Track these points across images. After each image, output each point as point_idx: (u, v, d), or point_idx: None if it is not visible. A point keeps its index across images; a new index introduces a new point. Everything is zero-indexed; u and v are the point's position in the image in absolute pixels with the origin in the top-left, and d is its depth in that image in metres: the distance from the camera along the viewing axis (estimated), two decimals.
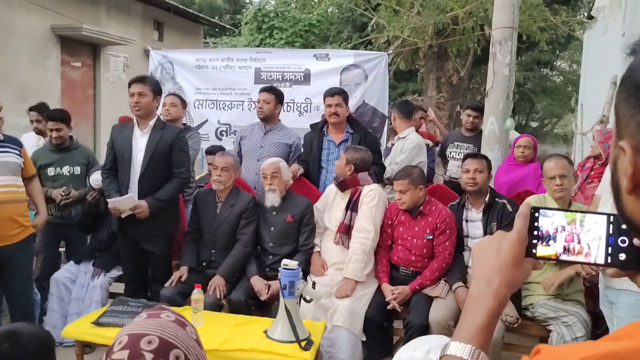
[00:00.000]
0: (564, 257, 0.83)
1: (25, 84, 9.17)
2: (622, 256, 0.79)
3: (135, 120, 3.65)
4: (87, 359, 3.19)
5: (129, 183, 3.60)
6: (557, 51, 17.34)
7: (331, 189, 3.78)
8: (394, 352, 3.35)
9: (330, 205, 3.72)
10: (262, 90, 4.38)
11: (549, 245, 0.84)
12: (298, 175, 4.04)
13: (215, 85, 5.60)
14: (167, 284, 3.56)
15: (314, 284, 3.16)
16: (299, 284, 2.87)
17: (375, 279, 3.53)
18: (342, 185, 3.63)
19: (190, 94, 5.63)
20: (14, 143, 3.50)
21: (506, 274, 0.82)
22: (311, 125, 4.40)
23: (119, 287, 3.97)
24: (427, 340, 1.29)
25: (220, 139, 5.57)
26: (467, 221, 3.52)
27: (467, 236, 3.52)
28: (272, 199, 3.68)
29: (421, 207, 3.50)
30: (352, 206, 3.54)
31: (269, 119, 4.32)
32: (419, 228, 3.48)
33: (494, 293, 0.81)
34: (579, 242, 0.82)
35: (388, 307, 3.33)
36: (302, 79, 5.40)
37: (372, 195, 3.53)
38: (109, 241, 4.02)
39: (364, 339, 3.31)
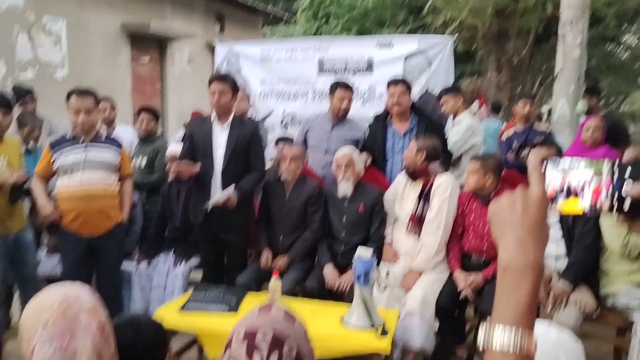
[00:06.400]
0: (591, 213, 0.83)
1: (99, 80, 9.58)
2: (627, 203, 0.80)
3: (214, 115, 3.78)
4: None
5: (212, 176, 3.75)
6: (624, 25, 16.48)
7: (401, 178, 3.79)
8: (467, 340, 3.38)
9: (401, 195, 3.74)
10: (341, 86, 4.33)
11: (577, 199, 0.81)
12: (367, 163, 4.08)
13: (279, 77, 5.70)
14: (262, 264, 3.79)
15: (387, 273, 3.21)
16: (373, 272, 2.93)
17: (447, 267, 3.55)
18: (413, 175, 3.65)
19: (256, 86, 5.76)
20: (114, 144, 3.76)
21: (538, 234, 0.75)
22: (375, 117, 4.40)
23: (197, 275, 4.16)
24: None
25: (285, 129, 5.68)
26: None
27: None
28: (345, 189, 3.75)
29: (492, 194, 3.48)
30: (425, 196, 3.56)
31: (344, 116, 4.36)
32: None
33: (532, 260, 0.74)
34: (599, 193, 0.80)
35: (461, 296, 3.35)
36: (365, 68, 5.41)
37: (444, 186, 3.53)
38: (184, 229, 4.20)
39: (437, 326, 3.34)
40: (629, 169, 0.80)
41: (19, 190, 3.59)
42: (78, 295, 1.33)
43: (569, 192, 0.82)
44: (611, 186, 0.80)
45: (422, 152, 3.59)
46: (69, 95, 3.54)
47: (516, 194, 0.78)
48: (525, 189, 0.78)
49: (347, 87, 4.35)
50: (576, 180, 0.82)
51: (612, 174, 0.81)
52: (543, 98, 14.62)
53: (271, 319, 1.17)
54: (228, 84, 3.72)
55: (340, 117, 4.35)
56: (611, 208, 0.81)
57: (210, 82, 3.74)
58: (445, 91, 4.76)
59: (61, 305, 1.28)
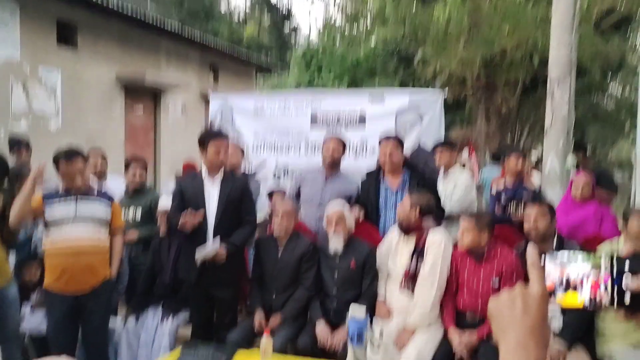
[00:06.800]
0: (590, 307, 0.81)
1: (92, 131, 9.66)
2: (627, 297, 0.79)
3: (204, 171, 3.77)
4: None
5: (206, 231, 3.72)
6: (609, 76, 16.91)
7: (393, 233, 3.79)
8: None
9: (394, 250, 3.72)
10: (331, 138, 4.46)
11: (576, 292, 0.81)
12: (360, 218, 4.07)
13: (272, 129, 5.75)
14: (256, 327, 3.70)
15: (381, 332, 3.16)
16: (367, 332, 2.89)
17: (441, 326, 3.50)
18: (406, 230, 3.64)
19: (249, 137, 5.80)
20: (106, 197, 3.73)
21: (540, 335, 0.75)
22: (367, 174, 4.43)
23: (186, 331, 4.06)
24: None
25: (278, 181, 5.68)
26: None
27: None
28: (335, 244, 3.72)
29: (485, 252, 3.47)
30: (419, 253, 3.54)
31: (335, 166, 4.41)
32: (484, 273, 3.44)
33: None
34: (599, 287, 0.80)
35: (456, 358, 3.29)
36: (358, 122, 5.48)
37: (438, 242, 3.53)
38: (173, 285, 4.14)
39: None
40: (627, 262, 0.80)
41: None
42: None
43: (568, 286, 0.81)
44: (609, 280, 0.80)
45: (416, 208, 3.59)
46: (55, 160, 3.50)
47: (516, 292, 0.78)
48: (524, 286, 0.77)
49: (338, 139, 4.44)
50: (574, 273, 0.82)
51: (611, 267, 0.81)
52: (531, 146, 14.85)
53: None
54: (228, 140, 3.80)
55: (331, 166, 4.38)
56: (612, 302, 0.80)
57: (212, 138, 3.74)
58: (442, 144, 4.79)
59: None
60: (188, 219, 3.59)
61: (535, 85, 13.05)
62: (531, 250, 0.80)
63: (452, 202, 4.44)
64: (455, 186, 4.54)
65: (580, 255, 0.82)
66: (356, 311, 2.89)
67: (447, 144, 4.80)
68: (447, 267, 3.54)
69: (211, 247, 3.63)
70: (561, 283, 0.82)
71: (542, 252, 0.82)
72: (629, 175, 15.75)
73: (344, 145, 4.48)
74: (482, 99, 11.99)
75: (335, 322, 3.65)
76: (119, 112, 10.49)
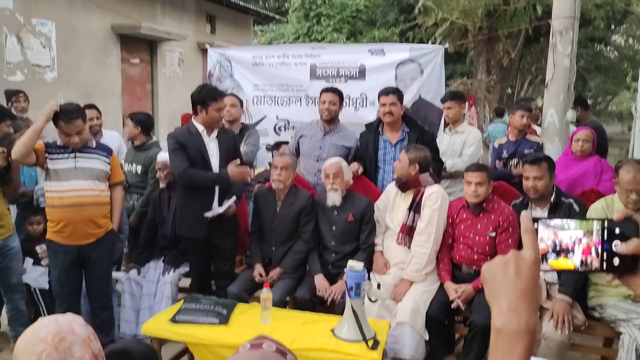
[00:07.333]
0: (581, 269, 0.84)
1: (88, 82, 9.54)
2: (616, 261, 0.82)
3: (198, 126, 3.73)
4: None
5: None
6: (613, 26, 16.64)
7: (391, 188, 3.81)
8: (455, 349, 3.40)
9: (391, 205, 3.76)
10: (327, 90, 4.41)
11: (567, 258, 0.84)
12: (358, 173, 4.10)
13: (272, 82, 5.71)
14: (256, 279, 3.77)
15: (378, 285, 3.23)
16: (365, 284, 2.95)
17: (437, 277, 3.58)
18: (403, 186, 3.67)
19: (249, 90, 5.76)
20: (104, 150, 3.71)
21: (531, 298, 0.76)
22: (366, 125, 4.42)
23: (186, 282, 4.16)
24: None
25: (278, 134, 5.69)
26: None
27: None
28: (333, 199, 3.76)
29: (484, 204, 3.50)
30: (415, 207, 3.58)
31: (333, 120, 4.39)
32: (481, 225, 3.49)
33: (524, 326, 0.75)
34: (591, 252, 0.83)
35: (452, 306, 3.37)
36: (358, 75, 5.42)
37: (435, 197, 3.55)
38: (174, 238, 4.19)
39: (427, 337, 3.37)
40: (617, 228, 0.82)
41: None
42: (71, 327, 1.33)
43: (560, 251, 0.83)
44: (600, 245, 0.82)
45: (414, 164, 3.60)
46: (55, 119, 3.45)
47: (509, 257, 0.79)
48: (518, 252, 0.79)
49: (333, 91, 4.39)
50: (567, 238, 0.83)
51: (602, 233, 0.82)
52: (532, 98, 14.73)
53: (263, 356, 1.18)
54: (224, 97, 3.82)
55: (327, 120, 4.37)
56: (601, 266, 0.82)
57: (220, 96, 3.76)
58: (451, 97, 4.73)
59: (54, 337, 1.29)
60: (243, 170, 3.74)
61: (537, 36, 12.85)
62: (525, 216, 0.81)
63: (462, 158, 4.45)
64: (465, 143, 4.52)
65: (573, 223, 0.84)
66: (354, 264, 2.94)
67: (456, 97, 4.73)
68: (444, 222, 3.59)
69: (226, 205, 3.68)
70: (554, 248, 0.84)
71: (535, 219, 0.82)
72: (628, 127, 15.72)
73: (341, 97, 4.42)
74: (484, 51, 11.82)
75: (334, 274, 3.74)
76: (115, 63, 10.33)
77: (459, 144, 4.52)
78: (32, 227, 4.13)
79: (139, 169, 4.47)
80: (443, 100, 4.80)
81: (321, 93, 4.43)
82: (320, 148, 4.34)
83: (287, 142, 4.79)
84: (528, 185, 3.42)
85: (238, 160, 3.79)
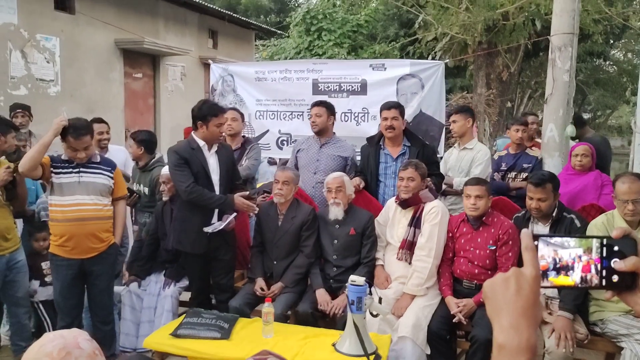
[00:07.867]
0: (581, 286, 0.84)
1: (91, 97, 9.64)
2: (615, 278, 0.83)
3: (199, 141, 3.75)
4: None
5: None
6: (611, 41, 16.76)
7: (391, 204, 3.83)
8: None
9: (391, 221, 3.77)
10: (313, 105, 4.54)
11: (568, 275, 0.84)
12: (360, 188, 4.12)
13: (274, 97, 5.78)
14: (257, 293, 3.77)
15: (380, 299, 3.24)
16: (366, 299, 2.95)
17: (438, 291, 3.58)
18: (405, 204, 3.68)
19: (251, 105, 5.83)
20: (108, 165, 3.74)
21: (531, 316, 0.77)
22: (367, 139, 4.45)
23: (186, 296, 4.16)
24: None
25: (281, 149, 5.76)
26: None
27: None
28: (335, 213, 3.78)
29: (484, 218, 3.52)
30: (415, 223, 3.60)
31: (322, 132, 4.45)
32: (481, 239, 3.50)
33: (525, 343, 0.76)
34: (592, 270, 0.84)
35: (454, 320, 3.37)
36: (359, 89, 5.47)
37: (434, 212, 3.57)
38: (175, 251, 4.20)
39: (429, 351, 3.36)
40: (616, 245, 0.84)
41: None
42: (77, 342, 1.35)
43: (560, 268, 0.85)
44: (599, 262, 0.84)
45: (424, 178, 3.66)
46: (63, 134, 3.48)
47: (510, 274, 0.80)
48: (518, 269, 0.80)
49: (319, 104, 4.49)
50: (567, 256, 0.85)
51: (601, 250, 0.84)
52: (532, 112, 14.78)
53: None
54: (225, 113, 3.86)
55: (317, 132, 4.44)
56: (600, 283, 0.84)
57: (221, 111, 3.81)
58: (457, 110, 4.74)
59: (60, 352, 1.30)
60: (250, 205, 3.80)
61: (537, 51, 12.93)
62: (525, 233, 0.83)
63: (469, 175, 4.39)
64: (474, 160, 4.48)
65: (572, 242, 0.85)
66: (356, 278, 2.95)
67: (461, 110, 4.72)
68: (444, 237, 3.60)
69: (227, 221, 3.70)
70: (554, 266, 0.85)
71: (536, 236, 0.84)
72: (628, 141, 15.76)
73: (329, 108, 4.47)
74: (483, 65, 11.88)
75: (335, 288, 3.74)
76: (118, 77, 10.44)
77: (467, 160, 4.50)
78: (38, 243, 4.14)
79: (146, 190, 4.53)
80: (448, 116, 4.83)
81: (310, 107, 4.57)
82: (317, 160, 4.41)
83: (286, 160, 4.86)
84: (532, 205, 3.40)
85: (247, 192, 3.84)
